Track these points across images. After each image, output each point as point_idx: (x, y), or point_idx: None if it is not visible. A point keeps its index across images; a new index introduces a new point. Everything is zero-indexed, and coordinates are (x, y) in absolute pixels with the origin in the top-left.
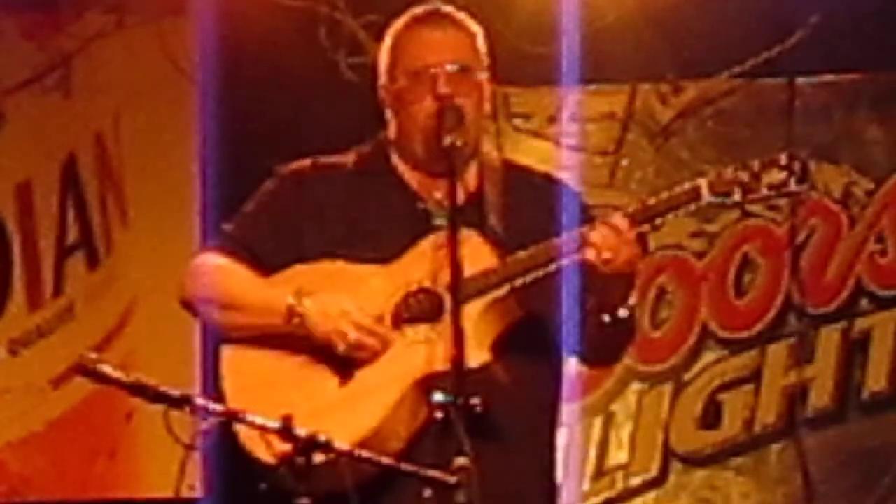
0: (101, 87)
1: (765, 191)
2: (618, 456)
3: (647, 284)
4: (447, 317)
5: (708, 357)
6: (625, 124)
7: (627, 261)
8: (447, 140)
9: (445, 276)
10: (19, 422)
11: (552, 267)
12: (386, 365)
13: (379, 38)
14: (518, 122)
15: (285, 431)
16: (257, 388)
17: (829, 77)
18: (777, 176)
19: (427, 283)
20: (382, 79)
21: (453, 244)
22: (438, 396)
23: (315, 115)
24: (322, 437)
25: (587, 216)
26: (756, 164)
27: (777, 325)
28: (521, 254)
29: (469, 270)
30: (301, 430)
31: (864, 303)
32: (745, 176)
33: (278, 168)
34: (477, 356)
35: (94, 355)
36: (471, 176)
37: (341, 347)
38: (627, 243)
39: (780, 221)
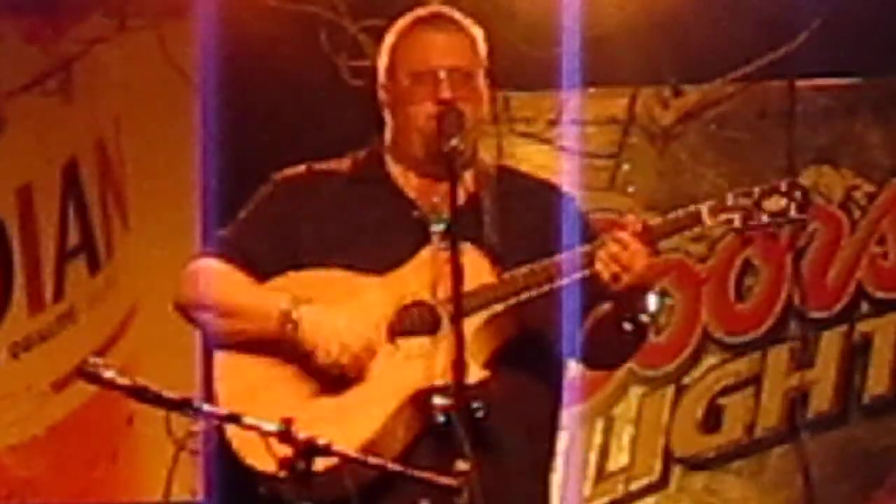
0: (102, 90)
1: (765, 218)
2: (619, 460)
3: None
4: (445, 330)
5: (709, 361)
6: (626, 128)
7: (639, 275)
8: (449, 144)
9: (443, 290)
10: (20, 425)
11: (553, 285)
12: (382, 377)
13: (380, 41)
14: (519, 125)
15: (285, 435)
16: (250, 396)
17: (830, 81)
18: (778, 203)
19: (424, 296)
20: (382, 78)
21: (454, 250)
22: (439, 400)
23: (316, 119)
24: (321, 441)
25: (584, 221)
26: (757, 191)
27: (778, 329)
28: (521, 271)
29: (466, 285)
30: (301, 434)
31: (865, 306)
32: (746, 202)
33: (273, 174)
34: (473, 373)
35: (96, 359)
36: (467, 182)
37: (319, 362)
38: (637, 257)
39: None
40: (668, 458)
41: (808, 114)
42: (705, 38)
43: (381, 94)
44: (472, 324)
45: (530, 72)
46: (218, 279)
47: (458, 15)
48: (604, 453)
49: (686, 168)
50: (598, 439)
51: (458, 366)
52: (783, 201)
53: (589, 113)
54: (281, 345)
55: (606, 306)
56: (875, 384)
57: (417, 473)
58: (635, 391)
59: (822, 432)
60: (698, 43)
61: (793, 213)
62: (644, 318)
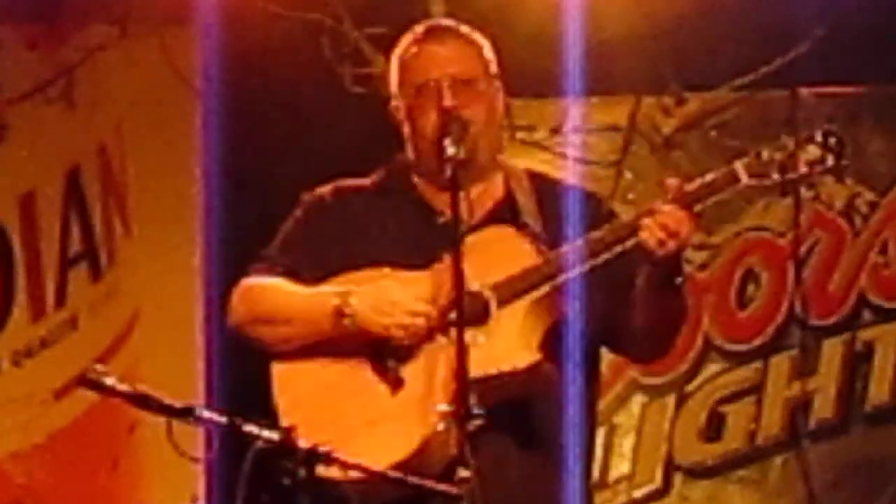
0: (104, 97)
1: (803, 168)
2: (620, 467)
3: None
4: (495, 317)
5: (711, 369)
6: (628, 136)
7: (682, 242)
8: (449, 151)
9: (490, 276)
10: (22, 433)
11: (596, 261)
12: (435, 370)
13: (382, 49)
14: (521, 133)
15: (286, 444)
16: (310, 403)
17: (831, 89)
18: (814, 153)
19: (471, 285)
20: (394, 93)
21: (457, 258)
22: (442, 407)
23: (319, 127)
24: (323, 449)
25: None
26: (791, 143)
27: (780, 337)
28: (561, 249)
29: (509, 268)
30: (302, 442)
31: (867, 314)
32: (780, 155)
33: (303, 196)
34: (525, 357)
35: (98, 367)
36: (495, 186)
37: (402, 338)
38: (682, 224)
39: (783, 233)
40: (670, 467)
41: (809, 122)
42: (707, 47)
43: (394, 111)
44: (520, 308)
45: (532, 80)
46: (267, 291)
47: (458, 25)
48: (606, 461)
49: (688, 176)
50: (599, 448)
51: (460, 370)
52: (818, 151)
53: (591, 121)
54: (335, 346)
55: (643, 283)
56: (877, 393)
57: (418, 481)
58: (637, 399)
59: (823, 441)
60: (700, 51)
61: (830, 161)
62: (678, 280)
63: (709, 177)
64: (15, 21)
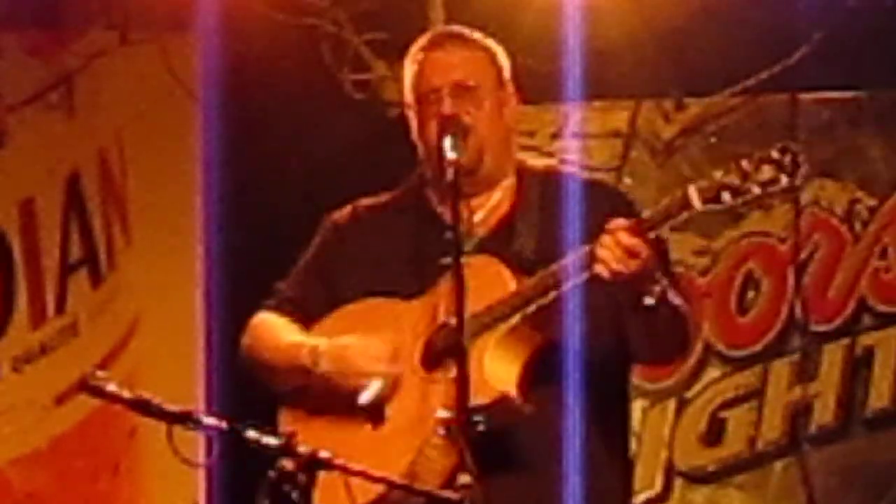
0: (104, 104)
1: (756, 190)
2: None
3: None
4: (472, 351)
5: (711, 374)
6: (628, 141)
7: (640, 269)
8: (449, 155)
9: (469, 307)
10: (23, 439)
11: (561, 289)
12: (415, 404)
13: (382, 55)
14: (521, 138)
15: (287, 449)
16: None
17: (832, 94)
18: (768, 173)
19: (450, 318)
20: (406, 108)
21: (458, 266)
22: (443, 413)
23: (319, 132)
24: (323, 454)
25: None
26: (746, 164)
27: (780, 342)
28: (529, 280)
29: (485, 300)
30: (303, 448)
31: (867, 319)
32: (734, 178)
33: (325, 218)
34: (488, 392)
35: (98, 373)
36: (502, 199)
37: (365, 399)
38: (633, 254)
39: (783, 238)
40: (671, 472)
41: (810, 127)
42: (707, 52)
43: (410, 122)
44: (491, 339)
45: (532, 85)
46: (265, 336)
47: (464, 31)
48: None
49: (688, 181)
50: None
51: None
52: (772, 171)
53: (591, 126)
54: (321, 389)
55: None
56: (877, 397)
57: (420, 488)
58: (637, 404)
59: (824, 446)
60: (700, 56)
61: (784, 181)
62: (647, 300)
63: (662, 203)
64: (15, 28)
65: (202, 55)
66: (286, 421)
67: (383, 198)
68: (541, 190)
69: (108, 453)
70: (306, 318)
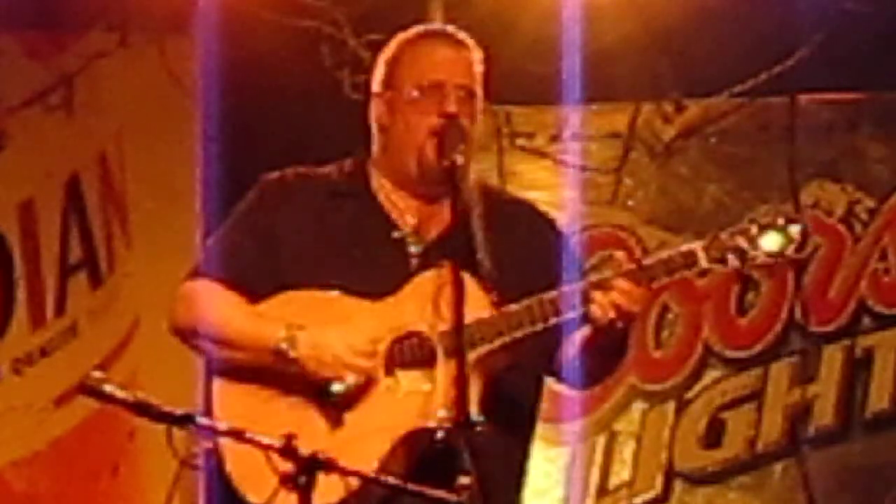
0: (103, 105)
1: (762, 257)
2: (621, 474)
3: (649, 304)
4: (440, 364)
5: (711, 376)
6: (627, 143)
7: (634, 317)
8: (452, 158)
9: (440, 321)
10: (22, 441)
11: (548, 324)
12: (377, 412)
13: None
14: (521, 140)
15: (287, 450)
16: (248, 427)
17: (831, 95)
18: (776, 240)
19: (420, 326)
20: (378, 88)
21: (456, 271)
22: (441, 412)
23: (318, 134)
24: (323, 456)
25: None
26: (753, 228)
27: (780, 344)
28: (519, 307)
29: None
30: (303, 450)
31: (866, 321)
32: (742, 241)
33: (262, 176)
34: (453, 413)
35: (98, 375)
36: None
37: (340, 390)
38: (634, 302)
39: None
40: (670, 473)
41: (809, 128)
42: (707, 54)
43: (377, 106)
44: (471, 356)
45: (532, 87)
46: (214, 307)
47: (461, 33)
48: (606, 468)
49: (687, 183)
50: (599, 454)
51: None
52: (781, 239)
53: (590, 128)
54: (280, 374)
55: (585, 331)
56: (877, 399)
57: (419, 489)
58: (637, 406)
59: (823, 447)
60: (700, 58)
61: (790, 252)
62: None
63: (666, 254)
64: (15, 29)
65: (201, 57)
66: (230, 410)
67: (327, 170)
68: (484, 204)
69: (108, 455)
70: (244, 288)
